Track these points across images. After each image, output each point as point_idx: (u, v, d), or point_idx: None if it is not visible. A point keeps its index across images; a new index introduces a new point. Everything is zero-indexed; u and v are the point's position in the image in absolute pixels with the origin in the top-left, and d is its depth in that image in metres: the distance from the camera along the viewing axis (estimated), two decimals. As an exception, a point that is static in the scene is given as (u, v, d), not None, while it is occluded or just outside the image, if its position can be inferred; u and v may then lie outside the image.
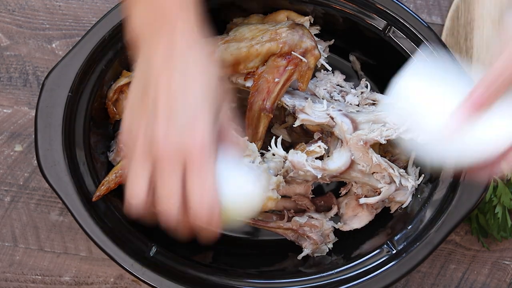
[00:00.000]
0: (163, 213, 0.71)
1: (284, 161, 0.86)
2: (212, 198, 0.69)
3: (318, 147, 0.88)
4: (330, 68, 0.94)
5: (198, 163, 0.68)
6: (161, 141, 0.68)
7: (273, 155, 0.86)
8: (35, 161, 1.01)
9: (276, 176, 0.84)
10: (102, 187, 0.87)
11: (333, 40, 0.95)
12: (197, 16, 0.72)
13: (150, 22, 0.71)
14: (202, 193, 0.69)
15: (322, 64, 0.93)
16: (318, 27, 0.93)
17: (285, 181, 0.87)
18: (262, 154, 0.86)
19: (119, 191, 0.91)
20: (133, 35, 0.72)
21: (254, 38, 0.87)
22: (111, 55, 0.88)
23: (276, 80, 0.86)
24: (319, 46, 0.90)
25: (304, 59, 0.87)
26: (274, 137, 0.88)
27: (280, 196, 0.82)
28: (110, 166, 0.94)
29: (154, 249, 0.86)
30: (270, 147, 0.87)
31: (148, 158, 0.69)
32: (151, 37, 0.71)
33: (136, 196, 0.71)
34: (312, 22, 0.91)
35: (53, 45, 1.04)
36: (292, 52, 0.86)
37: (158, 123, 0.69)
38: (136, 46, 0.73)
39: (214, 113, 0.71)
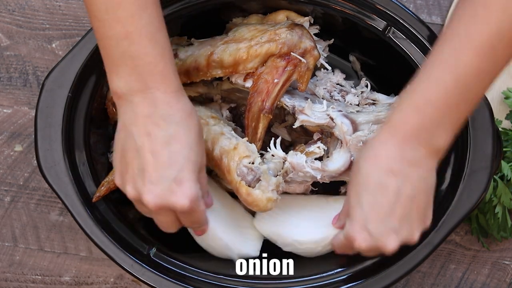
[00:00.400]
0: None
1: (283, 162, 0.86)
2: (203, 225, 0.80)
3: (318, 148, 0.88)
4: (329, 68, 0.94)
5: (188, 214, 0.75)
6: (149, 202, 0.73)
7: (273, 156, 0.86)
8: (35, 161, 1.01)
9: (276, 176, 0.84)
10: (102, 187, 0.87)
11: (332, 40, 0.95)
12: (177, 78, 0.75)
13: (133, 84, 0.73)
14: (195, 225, 0.79)
15: (321, 63, 0.93)
16: (318, 27, 0.93)
17: (284, 181, 0.87)
18: (261, 155, 0.86)
19: (119, 191, 0.91)
20: (116, 94, 0.74)
21: (253, 38, 0.87)
22: (111, 55, 0.87)
23: (276, 80, 0.86)
24: (318, 46, 0.90)
25: (303, 60, 0.86)
26: (273, 138, 0.88)
27: (279, 197, 0.83)
28: (110, 166, 0.94)
29: (154, 249, 0.86)
30: (269, 148, 0.87)
31: (143, 204, 0.75)
32: (133, 97, 0.73)
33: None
34: (311, 22, 0.91)
35: (53, 45, 1.04)
36: (291, 53, 0.86)
37: (145, 184, 0.73)
38: (118, 104, 0.75)
39: (197, 167, 0.74)
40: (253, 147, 0.84)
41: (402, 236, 0.74)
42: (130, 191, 0.75)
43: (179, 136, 0.73)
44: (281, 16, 0.91)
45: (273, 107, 0.87)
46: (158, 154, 0.72)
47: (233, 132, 0.87)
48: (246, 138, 0.84)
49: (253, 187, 0.81)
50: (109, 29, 0.72)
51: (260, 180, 0.82)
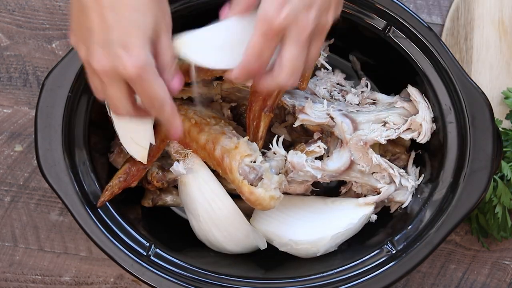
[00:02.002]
0: (115, 114, 0.76)
1: (285, 160, 0.86)
2: (160, 99, 0.72)
3: (318, 147, 0.88)
4: (330, 68, 0.94)
5: (138, 83, 0.70)
6: (96, 65, 0.70)
7: (274, 153, 0.86)
8: (35, 161, 1.01)
9: (278, 174, 0.84)
10: (107, 192, 0.87)
11: (333, 39, 0.95)
12: None
13: None
14: (152, 101, 0.72)
15: (322, 63, 0.93)
16: None
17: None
18: (263, 154, 0.86)
19: (121, 192, 0.91)
20: None
21: None
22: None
23: None
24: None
25: None
26: (276, 136, 0.88)
27: (282, 195, 0.82)
28: (110, 166, 0.94)
29: (154, 249, 0.86)
30: (271, 145, 0.87)
31: (93, 73, 0.72)
32: None
33: (98, 97, 0.75)
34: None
35: (53, 45, 1.04)
36: None
37: (93, 47, 0.70)
38: None
39: (148, 33, 0.70)
40: (254, 145, 0.84)
41: (319, 13, 0.71)
42: (82, 51, 0.72)
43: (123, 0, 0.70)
44: None
45: (274, 106, 0.87)
46: (104, 16, 0.69)
47: (234, 131, 0.87)
48: (247, 137, 0.84)
49: (255, 186, 0.81)
50: None
51: (262, 178, 0.81)
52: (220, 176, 0.91)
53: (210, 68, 0.78)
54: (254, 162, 0.82)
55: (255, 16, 0.72)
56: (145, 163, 0.88)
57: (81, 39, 0.72)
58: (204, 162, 0.89)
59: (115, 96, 0.72)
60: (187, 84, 0.92)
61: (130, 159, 0.90)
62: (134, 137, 0.87)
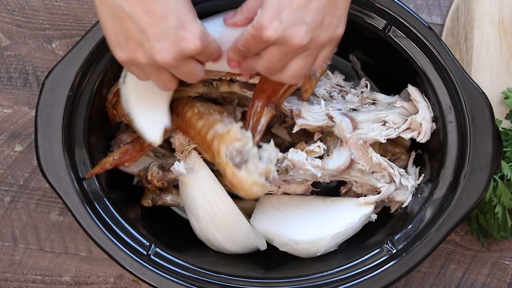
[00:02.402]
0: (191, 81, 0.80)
1: (282, 160, 0.86)
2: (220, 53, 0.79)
3: (318, 147, 0.88)
4: (332, 75, 0.94)
5: (203, 53, 0.74)
6: (165, 58, 0.72)
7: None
8: (35, 161, 1.01)
9: (267, 164, 0.82)
10: (97, 166, 0.87)
11: (337, 48, 0.96)
12: None
13: None
14: (217, 58, 0.79)
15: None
16: None
17: (284, 180, 0.87)
18: (259, 147, 0.85)
19: (119, 189, 0.91)
20: None
21: None
22: (110, 55, 0.87)
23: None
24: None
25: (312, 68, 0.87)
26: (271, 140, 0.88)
27: (268, 184, 0.81)
28: (110, 166, 0.94)
29: (154, 249, 0.86)
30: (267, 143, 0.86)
31: (160, 69, 0.75)
32: None
33: (169, 88, 0.79)
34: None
35: (53, 45, 1.04)
36: None
37: (153, 44, 0.72)
38: None
39: (192, 9, 0.74)
40: (248, 133, 0.82)
41: (313, 32, 0.74)
42: (141, 58, 0.74)
43: None
44: None
45: (279, 103, 0.87)
46: (151, 10, 0.71)
47: (234, 122, 0.86)
48: (240, 123, 0.83)
49: (239, 169, 0.80)
50: None
51: (247, 162, 0.81)
52: (220, 176, 0.91)
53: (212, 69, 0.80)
54: (244, 147, 0.81)
55: None
56: (157, 144, 0.86)
57: (138, 47, 0.73)
58: (200, 155, 0.89)
59: (189, 71, 0.76)
60: (188, 85, 0.92)
61: (131, 142, 0.90)
62: (151, 117, 0.86)
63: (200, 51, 0.73)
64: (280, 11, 0.72)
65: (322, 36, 0.75)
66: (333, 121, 0.88)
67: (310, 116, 0.88)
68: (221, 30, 0.81)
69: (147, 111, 0.86)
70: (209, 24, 0.82)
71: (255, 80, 0.88)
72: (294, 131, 0.89)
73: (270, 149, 0.83)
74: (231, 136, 0.81)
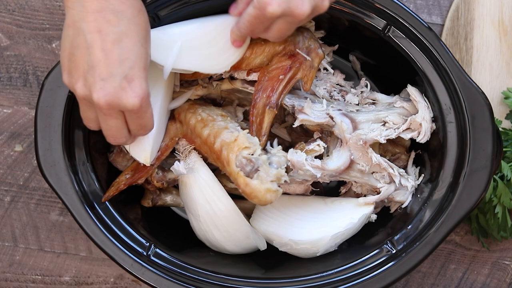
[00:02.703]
0: (113, 143, 0.80)
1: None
2: (150, 128, 0.79)
3: (317, 145, 0.88)
4: (332, 71, 0.94)
5: (137, 114, 0.74)
6: (100, 99, 0.72)
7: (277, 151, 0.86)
8: (35, 161, 1.01)
9: (277, 169, 0.82)
10: (112, 187, 0.87)
11: (337, 46, 0.96)
12: None
13: None
14: (144, 130, 0.78)
15: (324, 66, 0.93)
16: (323, 31, 0.93)
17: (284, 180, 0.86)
18: (266, 151, 0.86)
19: (122, 191, 0.91)
20: None
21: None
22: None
23: (281, 77, 0.87)
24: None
25: (308, 57, 0.87)
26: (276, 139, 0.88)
27: (281, 190, 0.81)
28: (110, 166, 0.94)
29: (154, 249, 0.86)
30: (271, 145, 0.86)
31: (91, 106, 0.75)
32: None
33: (91, 127, 0.79)
34: (316, 26, 0.92)
35: (53, 45, 1.04)
36: (297, 50, 0.86)
37: (96, 81, 0.72)
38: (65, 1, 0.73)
39: (146, 68, 0.74)
40: (254, 139, 0.82)
41: (315, 0, 0.76)
42: (79, 89, 0.73)
43: (130, 33, 0.72)
44: None
45: (279, 102, 0.87)
46: (109, 51, 0.71)
47: (239, 127, 0.86)
48: (246, 130, 0.84)
49: (251, 178, 0.80)
50: None
51: (259, 170, 0.81)
52: (220, 176, 0.91)
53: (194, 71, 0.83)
54: (253, 155, 0.81)
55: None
56: (148, 165, 0.87)
57: (81, 79, 0.73)
58: (206, 159, 0.89)
59: (115, 126, 0.76)
60: (188, 84, 0.92)
61: None
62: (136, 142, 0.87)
63: (136, 111, 0.73)
64: None
65: (325, 3, 0.78)
66: (334, 121, 0.88)
67: (312, 112, 0.88)
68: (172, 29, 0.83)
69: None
70: (186, 26, 0.84)
71: (254, 77, 0.89)
72: (294, 126, 0.89)
73: (278, 153, 0.83)
74: (239, 144, 0.81)
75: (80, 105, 0.77)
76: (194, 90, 0.92)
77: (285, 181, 0.82)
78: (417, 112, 0.88)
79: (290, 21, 0.77)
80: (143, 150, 0.86)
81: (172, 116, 0.91)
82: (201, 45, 0.84)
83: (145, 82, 0.73)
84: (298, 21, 0.77)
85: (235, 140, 0.82)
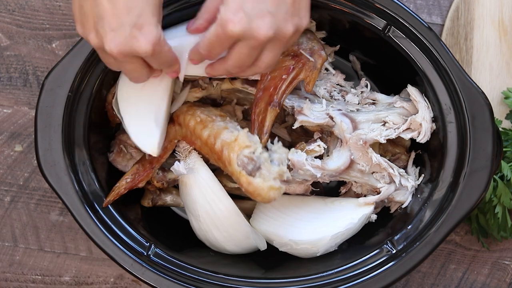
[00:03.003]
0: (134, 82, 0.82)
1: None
2: (172, 61, 0.79)
3: (318, 146, 0.88)
4: (333, 71, 0.94)
5: (153, 57, 0.75)
6: (112, 50, 0.73)
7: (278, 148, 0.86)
8: (35, 161, 1.01)
9: (279, 166, 0.82)
10: (112, 192, 0.87)
11: (338, 46, 0.96)
12: None
13: None
14: (164, 65, 0.79)
15: (326, 67, 0.93)
16: (324, 32, 0.93)
17: (284, 180, 0.86)
18: (266, 148, 0.85)
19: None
20: None
21: None
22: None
23: (284, 76, 0.87)
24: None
25: (311, 59, 0.87)
26: (276, 138, 0.88)
27: (284, 186, 0.81)
28: (110, 166, 0.94)
29: (154, 249, 0.86)
30: (272, 143, 0.86)
31: (107, 53, 0.75)
32: None
33: (114, 69, 0.81)
34: (316, 27, 0.92)
35: (53, 45, 1.04)
36: (300, 50, 0.87)
37: (106, 32, 0.73)
38: None
39: (157, 13, 0.74)
40: (255, 137, 0.82)
41: (277, 22, 0.74)
42: (93, 40, 0.75)
43: None
44: None
45: (281, 101, 0.87)
46: (115, 1, 0.72)
47: (238, 126, 0.86)
48: (246, 129, 0.83)
49: (253, 177, 0.80)
50: None
51: (261, 169, 0.80)
52: (220, 176, 0.91)
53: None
54: (254, 153, 0.81)
55: None
56: (155, 155, 0.87)
57: (93, 29, 0.75)
58: (207, 159, 0.89)
59: (134, 69, 0.78)
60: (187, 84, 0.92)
61: (139, 161, 0.91)
62: (143, 128, 0.87)
63: (150, 55, 0.74)
64: (244, 3, 0.72)
65: (288, 27, 0.75)
66: (334, 121, 0.88)
67: (311, 113, 0.88)
68: (184, 38, 0.83)
69: (139, 123, 0.87)
70: (173, 31, 0.84)
71: (257, 76, 0.89)
72: (294, 127, 0.89)
73: (279, 150, 0.83)
74: (240, 143, 0.81)
75: (98, 52, 0.78)
76: (193, 92, 0.92)
77: (287, 178, 0.81)
78: (417, 112, 0.88)
79: (251, 46, 0.75)
80: (151, 141, 0.86)
81: (171, 119, 0.91)
82: None
83: (155, 27, 0.73)
84: (259, 45, 0.75)
85: (236, 140, 0.82)
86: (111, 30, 0.73)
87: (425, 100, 0.88)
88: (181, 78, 0.85)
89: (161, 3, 0.76)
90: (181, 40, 0.84)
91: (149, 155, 0.88)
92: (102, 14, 0.73)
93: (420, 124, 0.88)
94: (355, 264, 0.86)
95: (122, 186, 0.89)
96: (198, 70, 0.86)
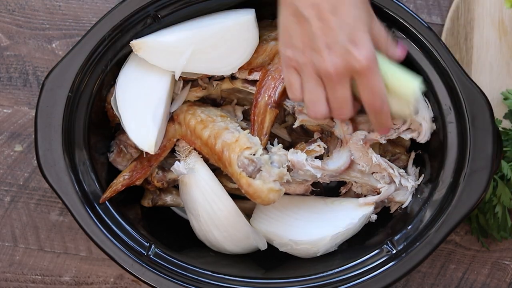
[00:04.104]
0: (338, 117, 0.81)
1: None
2: (383, 96, 0.78)
3: (318, 146, 0.88)
4: None
5: (367, 76, 0.75)
6: (329, 67, 0.75)
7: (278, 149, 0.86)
8: (35, 161, 1.01)
9: (279, 168, 0.82)
10: (109, 189, 0.87)
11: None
12: None
13: None
14: (375, 96, 0.77)
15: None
16: None
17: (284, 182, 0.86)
18: (267, 150, 0.86)
19: (122, 191, 0.91)
20: None
21: (261, 36, 0.87)
22: (110, 55, 0.88)
23: (283, 76, 0.87)
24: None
25: None
26: (276, 139, 0.88)
27: (283, 189, 0.82)
28: (110, 166, 0.94)
29: (154, 249, 0.86)
30: (272, 144, 0.87)
31: (319, 80, 0.77)
32: None
33: (319, 112, 0.80)
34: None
35: (53, 45, 1.04)
36: None
37: (321, 50, 0.75)
38: None
39: (368, 25, 0.76)
40: (255, 139, 0.83)
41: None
42: (305, 60, 0.77)
43: (343, 0, 0.75)
44: None
45: (280, 101, 0.87)
46: (328, 20, 0.74)
47: (239, 127, 0.87)
48: (247, 130, 0.84)
49: (254, 178, 0.80)
50: None
51: (261, 170, 0.81)
52: (220, 176, 0.91)
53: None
54: (254, 155, 0.81)
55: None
56: (152, 153, 0.87)
57: (300, 48, 0.76)
58: (207, 160, 0.89)
59: (343, 96, 0.78)
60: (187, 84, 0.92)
61: (137, 158, 0.91)
62: (141, 124, 0.87)
63: (364, 72, 0.75)
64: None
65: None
66: (334, 121, 0.88)
67: (312, 112, 0.88)
68: (185, 33, 0.85)
69: (136, 120, 0.87)
70: (174, 29, 0.85)
71: (255, 77, 0.89)
72: (295, 126, 0.89)
73: (279, 152, 0.83)
74: (240, 144, 0.81)
75: (305, 81, 0.79)
76: (194, 91, 0.92)
77: (287, 180, 0.82)
78: (417, 112, 0.88)
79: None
80: (148, 138, 0.86)
81: (171, 117, 0.91)
82: (207, 48, 0.85)
83: (369, 43, 0.75)
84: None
85: (236, 141, 0.82)
86: (326, 47, 0.75)
87: (425, 100, 0.88)
88: (177, 76, 0.85)
89: (370, 23, 0.77)
90: (182, 35, 0.84)
91: (147, 153, 0.88)
92: (315, 34, 0.75)
93: (420, 124, 0.88)
94: (355, 264, 0.86)
95: (119, 182, 0.89)
96: (198, 68, 0.86)
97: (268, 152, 0.84)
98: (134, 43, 0.85)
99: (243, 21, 0.87)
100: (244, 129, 0.87)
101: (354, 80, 0.77)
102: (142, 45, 0.85)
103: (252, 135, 0.85)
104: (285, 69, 0.80)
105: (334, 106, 0.79)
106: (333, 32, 0.74)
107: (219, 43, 0.85)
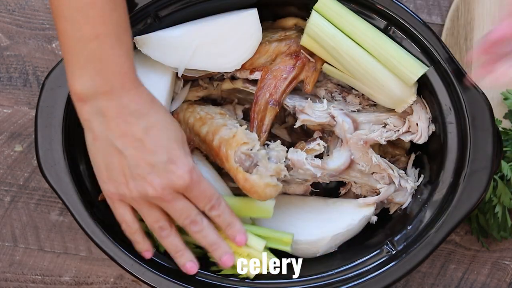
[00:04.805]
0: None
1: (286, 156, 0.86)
2: (217, 194, 0.80)
3: (317, 144, 0.88)
4: None
5: (194, 188, 0.77)
6: (156, 191, 0.75)
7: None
8: (35, 161, 1.01)
9: (277, 164, 0.82)
10: None
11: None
12: (136, 73, 0.77)
13: (98, 86, 0.74)
14: (211, 198, 0.79)
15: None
16: None
17: (284, 180, 0.86)
18: (267, 146, 0.86)
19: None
20: (79, 97, 0.75)
21: (263, 37, 0.87)
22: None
23: (284, 76, 0.87)
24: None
25: (311, 59, 0.87)
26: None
27: (281, 184, 0.82)
28: (110, 166, 0.94)
29: (154, 249, 0.86)
30: (272, 141, 0.86)
31: (152, 204, 0.78)
32: (99, 101, 0.74)
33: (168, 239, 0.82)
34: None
35: (53, 45, 1.04)
36: (301, 51, 0.87)
37: (145, 176, 0.75)
38: (81, 109, 0.76)
39: (183, 141, 0.78)
40: (253, 134, 0.83)
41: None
42: (131, 190, 0.76)
43: (152, 123, 0.75)
44: (290, 22, 0.92)
45: (281, 100, 0.87)
46: (142, 146, 0.74)
47: (237, 124, 0.86)
48: (245, 126, 0.84)
49: (251, 173, 0.80)
50: (78, 30, 0.73)
51: (258, 165, 0.81)
52: (222, 174, 0.91)
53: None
54: (252, 150, 0.81)
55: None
56: None
57: (122, 181, 0.76)
58: (206, 157, 0.89)
59: (181, 210, 0.78)
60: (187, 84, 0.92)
61: None
62: None
63: (189, 186, 0.76)
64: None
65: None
66: (335, 121, 0.88)
67: (313, 112, 0.88)
68: (188, 29, 0.84)
69: None
70: (175, 27, 0.85)
71: (257, 76, 0.89)
72: (296, 126, 0.89)
73: (277, 147, 0.83)
74: (238, 140, 0.81)
75: (139, 209, 0.79)
76: (195, 91, 0.92)
77: (285, 176, 0.82)
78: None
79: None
80: None
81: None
82: (210, 44, 0.85)
83: (186, 158, 0.76)
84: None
85: (234, 136, 0.82)
86: (148, 173, 0.75)
87: (422, 100, 0.88)
88: (180, 73, 0.85)
89: (183, 138, 0.78)
90: (186, 30, 0.84)
91: None
92: (134, 162, 0.75)
93: (417, 124, 0.88)
94: (355, 265, 0.86)
95: None
96: (202, 64, 0.86)
97: (266, 148, 0.84)
98: (138, 39, 0.85)
99: (247, 16, 0.87)
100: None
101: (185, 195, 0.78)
102: (146, 41, 0.85)
103: (251, 132, 0.85)
104: (112, 205, 0.80)
105: (178, 218, 0.79)
106: (151, 157, 0.75)
107: (223, 37, 0.86)
